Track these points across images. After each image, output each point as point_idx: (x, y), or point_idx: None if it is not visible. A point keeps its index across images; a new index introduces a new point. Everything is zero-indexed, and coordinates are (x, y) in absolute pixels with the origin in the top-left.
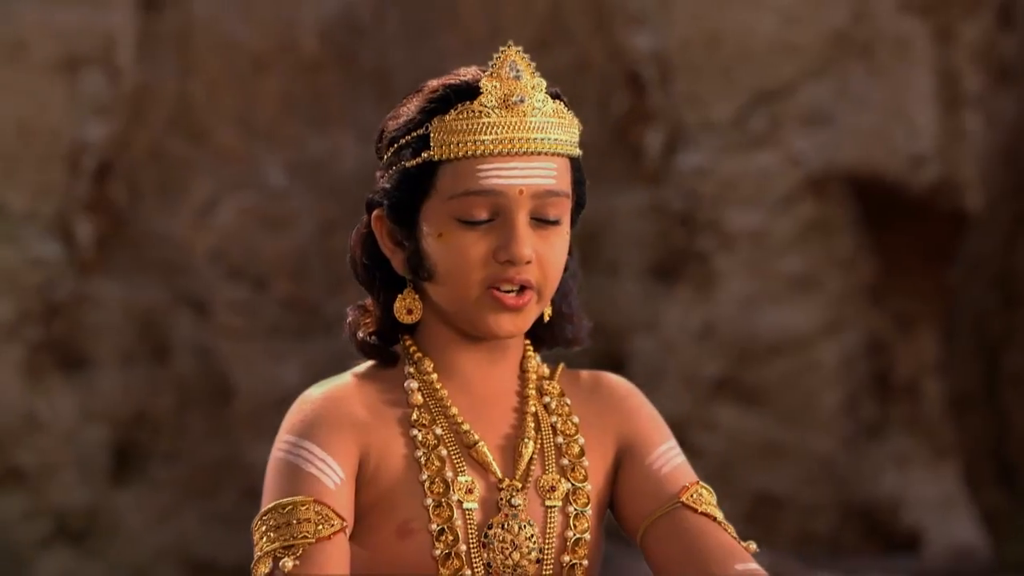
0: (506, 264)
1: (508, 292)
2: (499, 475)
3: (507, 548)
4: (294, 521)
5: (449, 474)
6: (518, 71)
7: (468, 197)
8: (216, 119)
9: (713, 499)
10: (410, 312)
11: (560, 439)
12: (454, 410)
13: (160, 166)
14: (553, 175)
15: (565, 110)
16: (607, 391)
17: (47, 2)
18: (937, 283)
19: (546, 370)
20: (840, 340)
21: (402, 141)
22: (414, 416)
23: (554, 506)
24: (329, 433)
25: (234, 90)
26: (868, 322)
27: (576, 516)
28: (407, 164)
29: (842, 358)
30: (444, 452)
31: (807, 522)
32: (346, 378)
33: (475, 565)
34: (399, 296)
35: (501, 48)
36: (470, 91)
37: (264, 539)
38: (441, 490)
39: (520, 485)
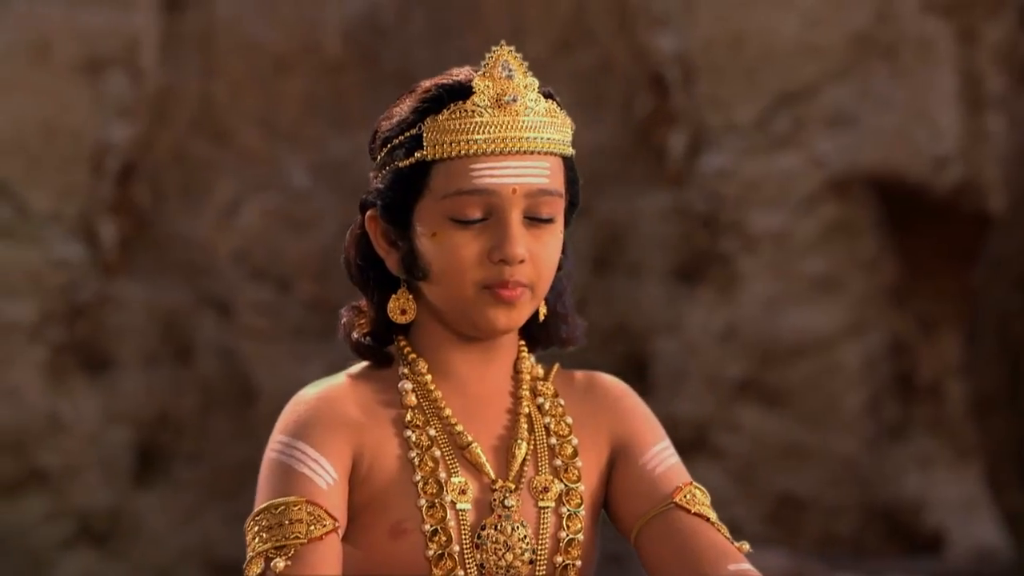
0: (500, 264)
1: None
2: (492, 476)
3: (500, 549)
4: (286, 521)
5: (442, 475)
6: (510, 71)
7: (461, 196)
8: (239, 120)
9: (707, 499)
10: (404, 312)
11: (554, 440)
12: (448, 411)
13: (183, 167)
14: (546, 174)
15: (557, 109)
16: (601, 392)
17: (71, 4)
18: (960, 284)
19: (540, 371)
20: (863, 341)
21: (395, 141)
22: (408, 417)
23: (547, 507)
24: (322, 434)
25: (257, 91)
26: (891, 323)
27: (569, 517)
28: (400, 164)
29: (865, 359)
30: (438, 453)
31: (830, 523)
32: (340, 379)
33: (468, 566)
34: (393, 296)
35: (493, 48)
36: (463, 91)
37: (256, 539)
38: (434, 491)
39: (513, 486)
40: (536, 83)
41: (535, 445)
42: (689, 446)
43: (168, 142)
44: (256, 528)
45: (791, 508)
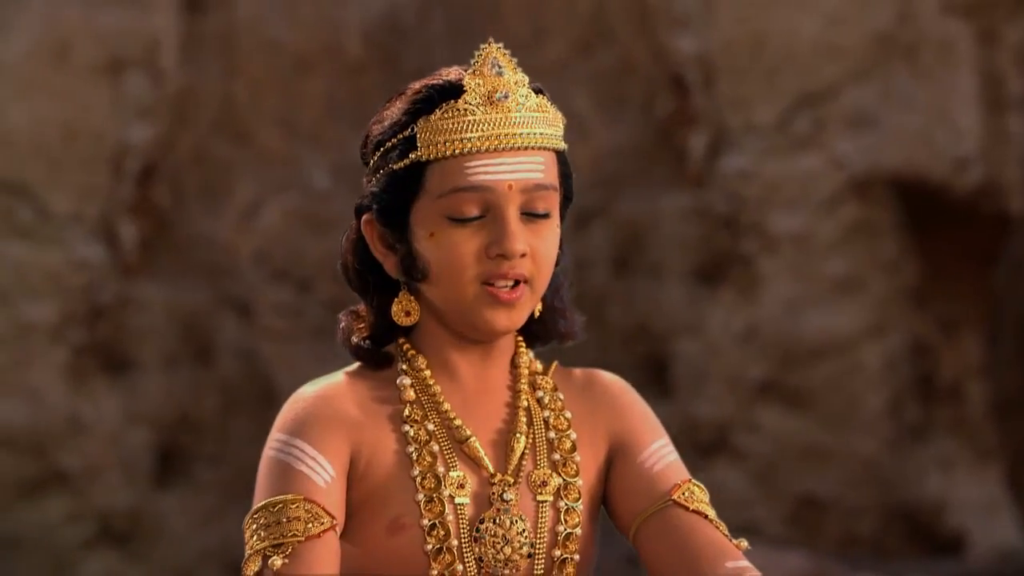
0: (499, 259)
1: (502, 287)
2: (491, 470)
3: (499, 543)
4: (284, 519)
5: (441, 469)
6: (500, 68)
7: (457, 194)
8: (260, 121)
9: (705, 497)
10: (408, 314)
11: (552, 434)
12: (446, 406)
13: (204, 168)
14: (541, 169)
15: (548, 104)
16: (600, 388)
17: (91, 5)
18: (981, 286)
19: (539, 366)
20: (884, 343)
21: (388, 144)
22: (406, 412)
23: (545, 501)
24: (320, 431)
25: (278, 92)
26: (912, 325)
27: (567, 511)
28: (395, 166)
29: (886, 361)
30: (436, 448)
31: (851, 524)
32: (338, 376)
33: (467, 560)
34: (396, 299)
35: (482, 45)
36: (453, 90)
37: (255, 537)
38: (432, 485)
39: (512, 480)
40: (526, 79)
41: (534, 439)
42: (710, 447)
43: (189, 143)
44: (254, 526)
45: (812, 509)
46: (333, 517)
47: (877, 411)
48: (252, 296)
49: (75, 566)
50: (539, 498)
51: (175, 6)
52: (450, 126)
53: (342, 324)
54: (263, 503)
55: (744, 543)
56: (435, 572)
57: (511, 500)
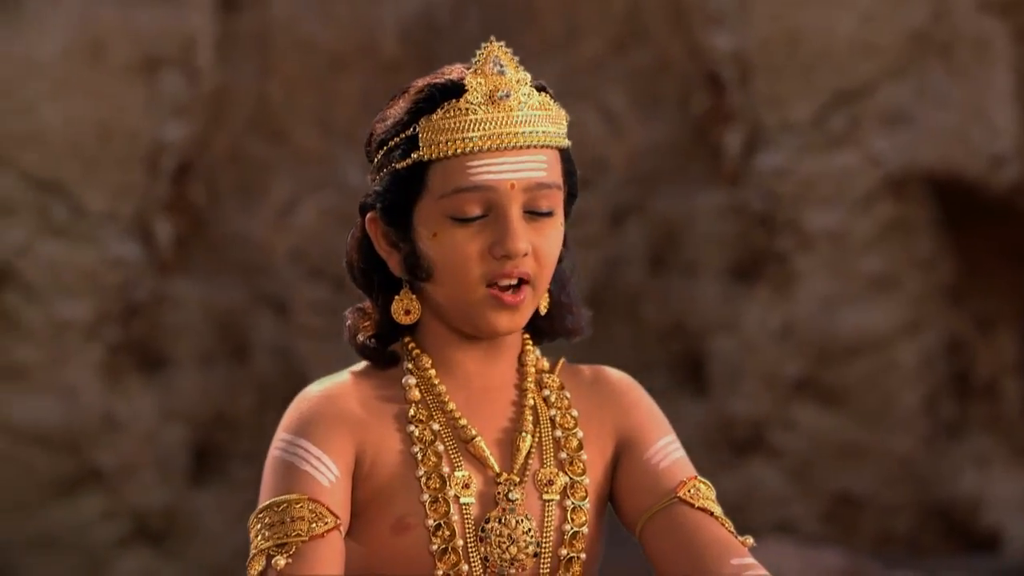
0: (502, 259)
1: (506, 289)
2: (497, 469)
3: (504, 542)
4: (288, 519)
5: (446, 469)
6: (501, 66)
7: (460, 194)
8: (295, 119)
9: (712, 494)
10: (408, 313)
11: (559, 433)
12: (452, 405)
13: (239, 167)
14: (543, 167)
15: (551, 102)
16: (606, 385)
17: (126, 3)
18: (1017, 283)
19: (546, 364)
20: (919, 340)
21: (391, 143)
22: (411, 412)
23: (552, 500)
24: (325, 431)
25: (313, 90)
26: (948, 322)
27: (574, 510)
28: (397, 166)
29: (921, 358)
30: (441, 447)
31: (886, 522)
32: (344, 376)
33: (472, 560)
34: (396, 298)
35: (484, 44)
36: (455, 89)
37: (259, 537)
38: (437, 485)
39: (518, 479)
40: (528, 77)
41: (540, 438)
42: (745, 444)
43: (224, 141)
44: (258, 526)
45: (847, 507)
46: (337, 517)
47: (913, 408)
48: (288, 294)
49: (110, 564)
50: (545, 497)
51: (211, 5)
52: (452, 125)
53: (348, 322)
54: (267, 503)
55: (750, 540)
56: (440, 572)
57: (517, 499)
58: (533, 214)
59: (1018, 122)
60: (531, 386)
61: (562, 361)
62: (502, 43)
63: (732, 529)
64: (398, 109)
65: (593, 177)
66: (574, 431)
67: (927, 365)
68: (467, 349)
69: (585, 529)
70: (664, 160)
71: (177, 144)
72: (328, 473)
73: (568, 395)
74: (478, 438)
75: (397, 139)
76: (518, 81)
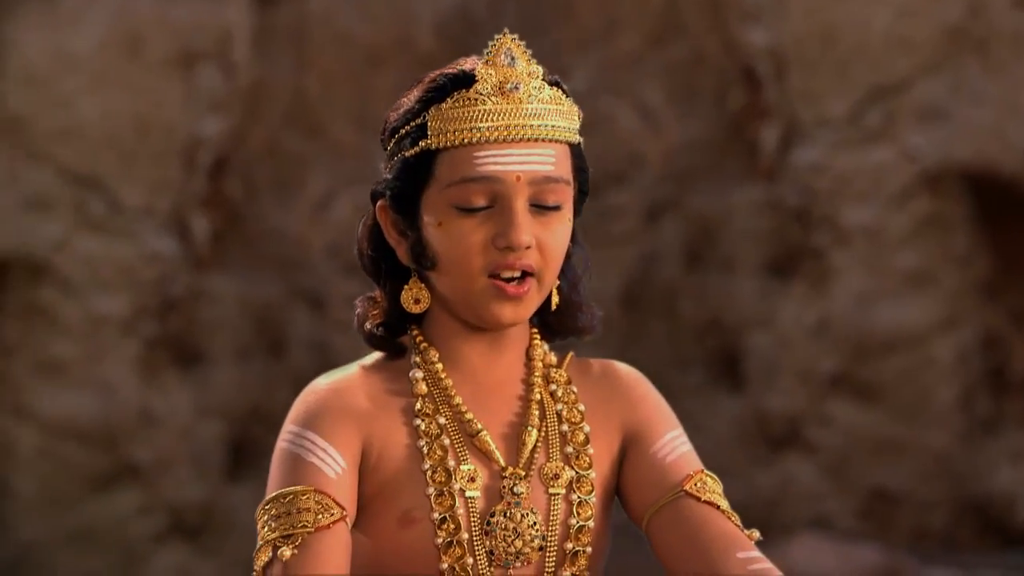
0: (505, 250)
1: (509, 280)
2: (502, 463)
3: (509, 536)
4: (294, 510)
5: (451, 463)
6: (513, 58)
7: (466, 184)
8: (332, 114)
9: (718, 487)
10: (417, 302)
11: (565, 427)
12: (458, 399)
13: (276, 161)
14: (551, 161)
15: (563, 97)
16: (614, 379)
17: None
18: None
19: (553, 358)
20: (955, 336)
21: (402, 131)
22: (418, 406)
23: (557, 494)
24: (331, 423)
25: (350, 85)
26: (983, 318)
27: (580, 504)
28: (406, 154)
29: (957, 354)
30: (447, 441)
31: (922, 518)
32: (353, 369)
33: (477, 553)
34: (406, 286)
35: (496, 35)
36: (466, 79)
37: (265, 528)
38: (443, 479)
39: (523, 473)
40: (540, 70)
41: (546, 432)
42: (782, 440)
43: (261, 136)
44: (265, 517)
45: (884, 502)
46: (343, 508)
47: (948, 404)
48: (324, 289)
49: (146, 559)
50: (551, 491)
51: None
52: (461, 115)
53: (358, 310)
54: (274, 494)
55: (756, 533)
56: (445, 565)
57: (522, 493)
58: (539, 207)
59: None
60: (538, 380)
61: (570, 356)
62: (515, 36)
63: (739, 523)
64: (410, 98)
65: (629, 173)
66: (581, 425)
67: (963, 361)
68: (473, 342)
69: (591, 523)
70: (700, 156)
71: (214, 139)
72: (335, 465)
73: (575, 389)
74: (484, 432)
75: (407, 127)
76: (529, 74)
